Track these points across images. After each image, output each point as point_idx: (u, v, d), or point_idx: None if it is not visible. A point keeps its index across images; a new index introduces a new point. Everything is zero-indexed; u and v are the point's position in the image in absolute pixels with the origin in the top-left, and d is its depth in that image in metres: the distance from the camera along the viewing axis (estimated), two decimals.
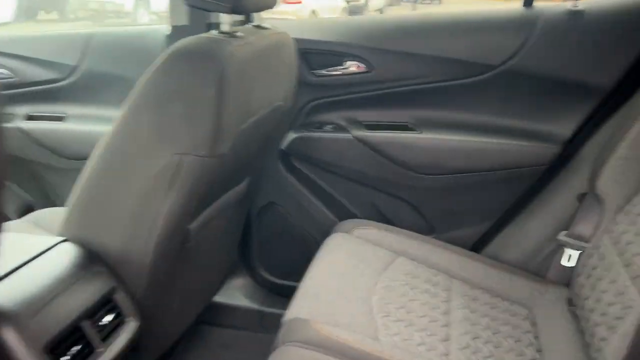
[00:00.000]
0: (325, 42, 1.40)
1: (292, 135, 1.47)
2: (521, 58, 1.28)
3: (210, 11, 1.22)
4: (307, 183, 1.52)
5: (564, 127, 1.30)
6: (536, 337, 1.09)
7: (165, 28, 1.49)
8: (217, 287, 1.46)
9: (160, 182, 0.88)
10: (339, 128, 1.46)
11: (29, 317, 0.75)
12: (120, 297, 0.92)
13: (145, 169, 0.88)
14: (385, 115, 1.43)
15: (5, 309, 0.74)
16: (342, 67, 1.42)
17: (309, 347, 0.90)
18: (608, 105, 1.27)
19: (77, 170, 0.97)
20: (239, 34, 0.97)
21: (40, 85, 1.65)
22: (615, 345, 0.85)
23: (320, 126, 1.47)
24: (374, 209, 1.51)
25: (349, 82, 1.42)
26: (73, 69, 1.62)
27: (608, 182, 1.12)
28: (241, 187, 1.26)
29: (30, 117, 1.66)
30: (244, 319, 1.59)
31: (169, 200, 0.89)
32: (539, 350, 1.05)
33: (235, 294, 1.64)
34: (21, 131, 1.63)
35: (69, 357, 0.79)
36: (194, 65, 0.86)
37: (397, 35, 1.37)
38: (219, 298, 1.59)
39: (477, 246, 1.42)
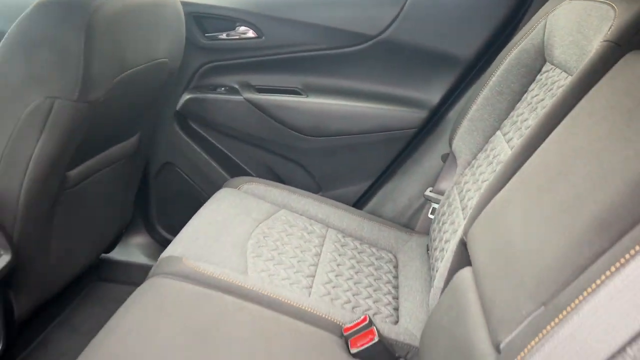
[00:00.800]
0: (218, 7, 1.46)
1: (186, 97, 1.53)
2: (394, 30, 1.40)
3: None
4: (202, 143, 1.59)
5: (433, 95, 1.44)
6: (395, 277, 1.23)
7: None
8: (109, 243, 1.50)
9: (32, 125, 0.93)
10: (232, 90, 1.53)
11: None
12: None
13: (16, 111, 0.93)
14: (276, 80, 1.52)
15: None
16: (235, 32, 1.49)
17: (177, 278, 0.98)
18: (469, 74, 1.42)
19: None
20: None
21: None
22: (441, 271, 1.00)
23: (214, 88, 1.54)
24: (268, 170, 1.61)
25: (242, 47, 1.50)
26: None
27: (460, 141, 1.27)
28: (131, 142, 1.31)
29: None
30: (141, 275, 1.63)
31: (41, 143, 0.94)
32: (395, 287, 1.19)
33: (134, 251, 1.69)
34: None
35: None
36: (61, 15, 0.91)
37: (284, 3, 1.46)
38: (116, 255, 1.64)
39: (358, 203, 1.55)
